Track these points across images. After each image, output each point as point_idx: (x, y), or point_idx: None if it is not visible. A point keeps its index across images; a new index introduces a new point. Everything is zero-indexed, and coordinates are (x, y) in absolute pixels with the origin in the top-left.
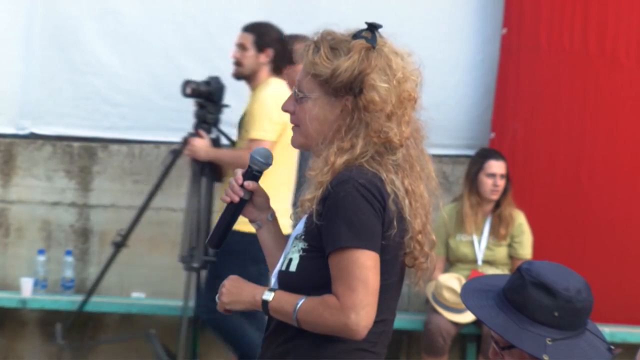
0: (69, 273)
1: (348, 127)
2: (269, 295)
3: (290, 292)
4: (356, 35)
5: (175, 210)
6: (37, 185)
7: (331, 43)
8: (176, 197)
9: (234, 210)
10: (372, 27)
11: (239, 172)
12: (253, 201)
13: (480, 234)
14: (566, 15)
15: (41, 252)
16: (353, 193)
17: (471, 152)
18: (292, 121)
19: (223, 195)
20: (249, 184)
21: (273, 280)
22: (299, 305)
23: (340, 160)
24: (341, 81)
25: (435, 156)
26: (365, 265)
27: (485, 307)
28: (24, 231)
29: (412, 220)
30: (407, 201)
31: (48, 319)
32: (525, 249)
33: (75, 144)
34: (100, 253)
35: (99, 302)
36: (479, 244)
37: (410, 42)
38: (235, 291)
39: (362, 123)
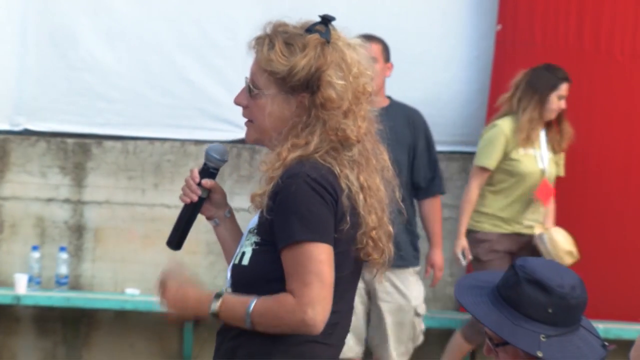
0: (63, 269)
1: (304, 125)
2: (215, 306)
3: (239, 293)
4: (310, 29)
5: (170, 207)
6: (31, 181)
7: (285, 37)
8: (170, 194)
9: (192, 210)
10: (326, 20)
11: (195, 171)
12: (211, 199)
13: (539, 148)
14: (561, 12)
15: (35, 248)
16: (304, 187)
17: (466, 149)
18: (245, 115)
19: (181, 194)
20: (207, 182)
21: (228, 274)
22: (251, 309)
23: (292, 156)
24: (298, 79)
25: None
26: (320, 259)
27: (479, 304)
28: (18, 227)
29: (367, 216)
30: (361, 196)
31: (42, 316)
32: (563, 168)
33: (70, 141)
34: (95, 249)
35: (93, 299)
36: (542, 158)
37: (404, 38)
38: (180, 304)
39: (319, 120)
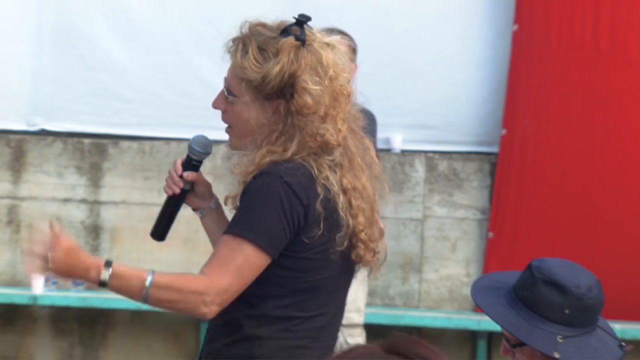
0: None
1: (280, 132)
2: (106, 274)
3: (131, 267)
4: (285, 30)
5: (186, 207)
6: (48, 181)
7: (259, 42)
8: None
9: (176, 202)
10: (300, 22)
11: (178, 162)
12: (195, 190)
13: None
14: (577, 12)
15: None
16: (271, 188)
17: (482, 149)
18: (223, 120)
19: (164, 186)
20: (188, 174)
21: None
22: (151, 280)
23: (265, 161)
24: (272, 87)
25: (445, 153)
26: (249, 261)
27: (495, 305)
28: (34, 227)
29: (352, 218)
30: (342, 198)
31: (59, 316)
32: None
33: (86, 141)
34: (111, 249)
35: (110, 299)
36: None
37: (421, 38)
38: (69, 260)
39: (296, 127)
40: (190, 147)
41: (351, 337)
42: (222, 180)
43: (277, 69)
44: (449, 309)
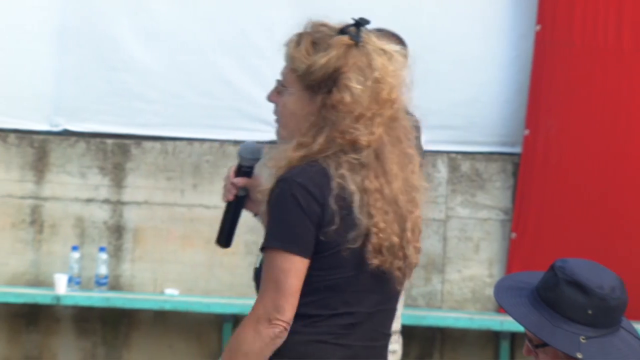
0: (103, 270)
1: (312, 124)
2: None
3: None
4: (343, 30)
5: (209, 207)
6: (71, 182)
7: (315, 37)
8: (210, 194)
9: (234, 208)
10: (358, 24)
11: (232, 169)
12: (251, 196)
13: None
14: (600, 12)
15: (75, 248)
16: (286, 192)
17: (505, 149)
18: (274, 112)
19: (222, 193)
20: (239, 181)
21: None
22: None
23: (296, 155)
24: (315, 78)
25: (468, 153)
26: (282, 267)
27: (518, 305)
28: (57, 228)
29: (367, 219)
30: (359, 198)
31: (82, 316)
32: None
33: (109, 141)
34: (134, 250)
35: (133, 299)
36: None
37: (443, 39)
38: None
39: (328, 121)
40: (239, 154)
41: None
42: None
43: (323, 60)
44: (472, 309)
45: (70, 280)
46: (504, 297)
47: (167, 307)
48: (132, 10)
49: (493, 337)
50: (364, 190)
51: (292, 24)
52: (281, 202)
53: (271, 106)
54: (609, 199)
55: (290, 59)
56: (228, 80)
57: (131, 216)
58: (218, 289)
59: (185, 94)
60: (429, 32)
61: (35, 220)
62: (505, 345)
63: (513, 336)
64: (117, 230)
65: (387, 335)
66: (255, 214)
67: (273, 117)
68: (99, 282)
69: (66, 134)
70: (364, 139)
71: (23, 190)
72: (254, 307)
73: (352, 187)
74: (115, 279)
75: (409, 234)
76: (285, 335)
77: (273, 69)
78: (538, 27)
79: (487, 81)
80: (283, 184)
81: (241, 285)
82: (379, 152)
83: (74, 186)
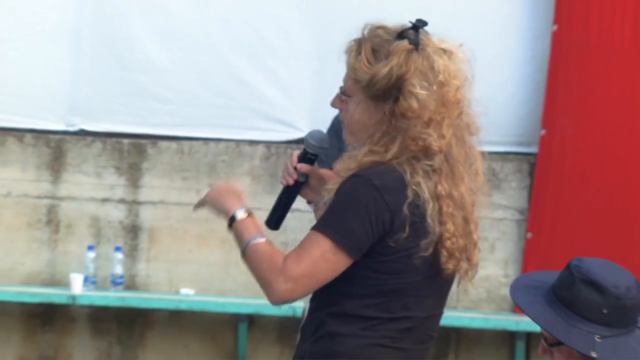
0: (118, 269)
1: (383, 133)
2: (241, 214)
3: (258, 226)
4: (401, 34)
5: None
6: (87, 181)
7: (374, 44)
8: None
9: (290, 192)
10: (416, 27)
11: (295, 154)
12: (309, 183)
13: None
14: (617, 12)
15: (91, 248)
16: (359, 189)
17: (521, 149)
18: (341, 119)
19: (280, 176)
20: (302, 166)
21: None
22: (252, 242)
23: (367, 160)
24: (379, 88)
25: (484, 153)
26: (327, 257)
27: (534, 304)
28: (73, 227)
29: (440, 226)
30: (432, 205)
31: (98, 315)
32: None
33: (125, 141)
34: (150, 249)
35: (148, 299)
36: None
37: (459, 38)
38: (222, 197)
39: (399, 130)
40: (306, 141)
41: None
42: (260, 180)
43: (385, 70)
44: (487, 309)
45: (85, 279)
46: (520, 295)
47: (183, 306)
48: (148, 10)
49: (508, 337)
50: (436, 197)
51: (307, 24)
52: (351, 197)
53: (285, 106)
54: (624, 199)
55: (352, 69)
56: (243, 80)
57: (147, 216)
58: (233, 289)
59: (200, 94)
60: (444, 32)
61: (51, 220)
62: (520, 346)
63: (529, 336)
64: (133, 230)
65: (433, 338)
66: (309, 201)
67: (287, 117)
68: (115, 282)
69: (82, 133)
70: (435, 145)
71: (39, 190)
72: (288, 263)
73: (426, 194)
74: (131, 279)
75: (474, 237)
76: (279, 301)
77: (288, 69)
78: (554, 27)
79: (503, 81)
80: (358, 180)
81: (256, 285)
82: (448, 155)
83: (89, 186)
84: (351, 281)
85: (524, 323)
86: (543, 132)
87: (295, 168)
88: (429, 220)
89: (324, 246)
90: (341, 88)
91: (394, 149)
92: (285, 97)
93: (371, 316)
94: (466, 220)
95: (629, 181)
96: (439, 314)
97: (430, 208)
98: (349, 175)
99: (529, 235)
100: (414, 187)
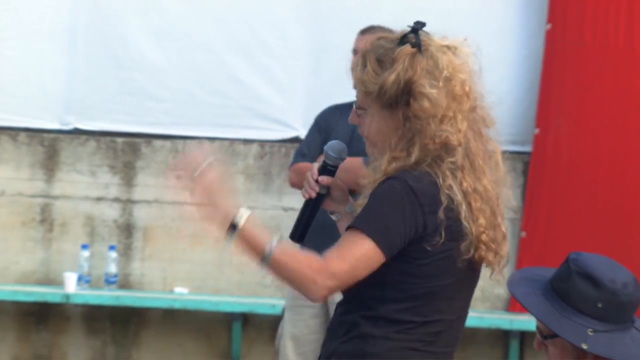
0: (112, 268)
1: (400, 138)
2: (241, 219)
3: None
4: (402, 39)
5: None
6: (81, 180)
7: (378, 54)
8: None
9: (313, 205)
10: (415, 29)
11: (315, 167)
12: (331, 194)
13: None
14: (611, 11)
15: (85, 247)
16: (396, 190)
17: (515, 148)
18: (360, 133)
19: (302, 190)
20: (323, 179)
21: None
22: (275, 246)
23: (391, 167)
24: (389, 96)
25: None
26: (367, 256)
27: (530, 295)
28: (67, 226)
29: (473, 222)
30: (464, 206)
31: (92, 314)
32: None
33: (119, 140)
34: (144, 248)
35: (142, 298)
36: None
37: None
38: (214, 198)
39: (416, 131)
40: (326, 153)
41: None
42: (254, 179)
43: (392, 77)
44: (481, 308)
45: (79, 278)
46: (517, 286)
47: (177, 305)
48: (143, 9)
49: (503, 336)
50: (464, 194)
51: (302, 23)
52: (388, 197)
53: (280, 105)
54: (619, 197)
55: (360, 82)
56: (238, 79)
57: (141, 215)
58: (227, 288)
59: (195, 93)
60: (438, 31)
61: (45, 219)
62: (514, 344)
63: (522, 335)
64: (127, 229)
65: (458, 339)
66: (332, 213)
67: (282, 116)
68: (109, 281)
69: (76, 132)
70: (453, 139)
71: (33, 189)
72: (331, 261)
73: (459, 197)
74: (125, 278)
75: (503, 229)
76: (320, 299)
77: (283, 68)
78: (548, 26)
79: (497, 80)
80: (395, 181)
81: (250, 284)
82: (467, 150)
83: (84, 185)
84: (385, 285)
85: (518, 322)
86: (537, 131)
87: (316, 181)
88: (464, 222)
89: (365, 246)
90: (355, 103)
91: (415, 152)
92: (280, 96)
93: (405, 320)
94: (493, 212)
95: (623, 180)
96: (465, 315)
97: (464, 210)
98: (386, 178)
99: (523, 234)
100: (446, 190)
